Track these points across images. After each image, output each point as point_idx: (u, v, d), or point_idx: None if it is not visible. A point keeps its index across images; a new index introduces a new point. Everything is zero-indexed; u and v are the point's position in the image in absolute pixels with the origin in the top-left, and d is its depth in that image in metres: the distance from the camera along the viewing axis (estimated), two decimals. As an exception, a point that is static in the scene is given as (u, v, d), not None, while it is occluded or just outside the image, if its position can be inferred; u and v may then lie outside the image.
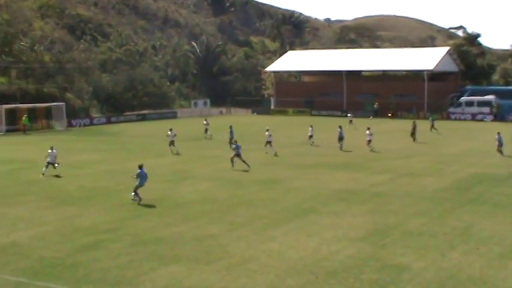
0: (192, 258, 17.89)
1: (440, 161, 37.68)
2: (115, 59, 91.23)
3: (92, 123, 70.52)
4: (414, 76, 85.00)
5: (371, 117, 74.62)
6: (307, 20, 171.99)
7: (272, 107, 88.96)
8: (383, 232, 20.69)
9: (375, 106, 77.24)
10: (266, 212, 23.71)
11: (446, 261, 17.51)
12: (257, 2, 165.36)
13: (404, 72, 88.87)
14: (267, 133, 41.88)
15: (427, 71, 78.14)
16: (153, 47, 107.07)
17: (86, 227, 21.62)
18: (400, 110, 75.71)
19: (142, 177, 25.31)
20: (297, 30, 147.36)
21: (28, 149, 46.57)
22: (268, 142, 41.41)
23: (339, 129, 43.28)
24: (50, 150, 32.95)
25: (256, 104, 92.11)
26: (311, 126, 47.46)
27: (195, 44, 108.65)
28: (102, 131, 62.90)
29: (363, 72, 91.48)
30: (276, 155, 40.51)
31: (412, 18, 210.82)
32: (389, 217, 22.79)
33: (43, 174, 32.25)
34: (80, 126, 68.37)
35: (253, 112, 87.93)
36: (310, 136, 46.46)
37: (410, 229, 21.07)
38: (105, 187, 29.60)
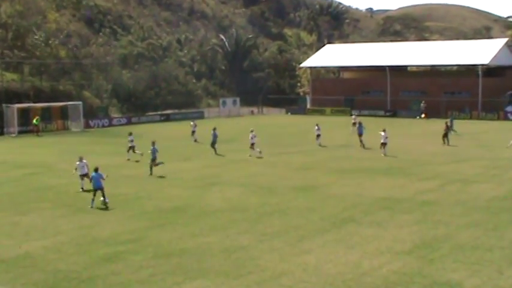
0: (220, 272, 17.93)
1: (496, 166, 37.18)
2: (136, 54, 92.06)
3: (111, 124, 71.23)
4: (467, 71, 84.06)
5: (418, 117, 74.01)
6: (347, 10, 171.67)
7: (308, 106, 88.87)
8: (431, 245, 20.47)
9: (422, 105, 76.54)
10: (301, 222, 23.66)
11: (503, 280, 17.23)
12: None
13: (455, 67, 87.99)
14: (251, 134, 42.40)
15: (482, 65, 77.17)
16: (178, 41, 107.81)
17: (105, 237, 21.83)
18: (450, 109, 74.85)
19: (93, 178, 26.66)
20: (336, 22, 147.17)
21: (42, 152, 47.25)
22: (252, 144, 42.15)
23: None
24: (78, 162, 30.63)
25: (291, 102, 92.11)
26: (317, 125, 48.77)
27: (223, 38, 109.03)
28: (122, 133, 63.25)
29: (408, 68, 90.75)
30: (259, 156, 41.45)
31: (465, 7, 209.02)
32: (438, 228, 22.54)
33: (82, 189, 30.35)
34: (98, 127, 69.11)
35: (287, 112, 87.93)
36: (318, 136, 47.93)
37: (462, 242, 20.82)
38: (125, 194, 29.84)
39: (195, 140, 51.81)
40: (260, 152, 41.83)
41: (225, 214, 25.14)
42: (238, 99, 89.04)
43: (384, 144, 42.03)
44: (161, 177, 34.27)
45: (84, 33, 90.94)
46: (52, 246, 20.68)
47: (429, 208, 25.93)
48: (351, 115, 63.33)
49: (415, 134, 53.73)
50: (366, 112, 79.69)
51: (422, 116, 74.19)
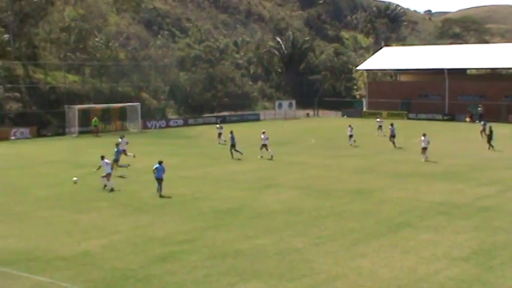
0: (275, 274, 17.92)
1: (559, 172, 36.14)
2: (194, 56, 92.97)
3: (168, 125, 72.08)
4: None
5: (476, 122, 72.61)
6: (405, 12, 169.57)
7: (364, 109, 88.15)
8: (490, 252, 20.03)
9: (479, 109, 74.97)
10: (356, 226, 23.47)
11: None
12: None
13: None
14: (262, 136, 42.33)
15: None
16: (235, 43, 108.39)
17: (160, 237, 22.09)
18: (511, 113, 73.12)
19: None
20: (393, 24, 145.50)
21: (101, 152, 47.99)
22: (264, 145, 42.15)
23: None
24: (102, 161, 31.62)
25: (347, 105, 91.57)
26: (350, 125, 50.68)
27: (280, 40, 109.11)
28: (178, 134, 64.17)
29: (468, 71, 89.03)
30: (272, 158, 41.53)
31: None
32: (498, 235, 22.04)
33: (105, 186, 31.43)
34: (155, 128, 70.03)
35: (343, 115, 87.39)
36: (350, 136, 49.79)
37: (522, 249, 20.32)
38: (181, 194, 30.13)
39: (224, 141, 51.40)
40: (272, 156, 42.14)
41: (280, 216, 25.13)
42: (294, 102, 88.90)
43: (424, 149, 41.28)
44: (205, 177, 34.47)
45: (143, 36, 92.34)
46: (110, 245, 21.03)
47: (488, 214, 25.38)
48: (376, 119, 63.08)
49: (473, 139, 52.69)
50: (423, 116, 78.65)
51: (467, 119, 72.73)
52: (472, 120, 72.27)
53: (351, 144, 49.35)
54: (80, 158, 44.94)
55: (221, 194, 30.07)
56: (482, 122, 54.77)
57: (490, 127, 48.26)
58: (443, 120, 76.03)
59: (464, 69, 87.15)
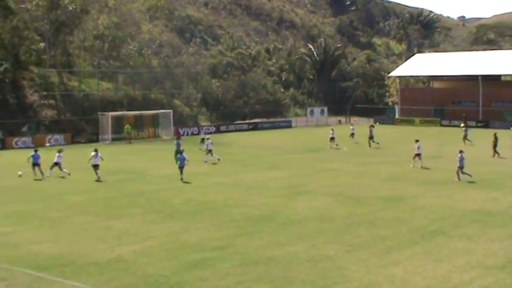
0: (307, 281, 17.86)
1: None
2: (226, 63, 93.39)
3: (200, 132, 72.34)
4: None
5: (511, 128, 71.63)
6: (438, 18, 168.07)
7: (396, 116, 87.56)
8: (526, 261, 19.73)
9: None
10: (389, 233, 23.29)
11: None
12: (381, 0, 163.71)
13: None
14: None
15: None
16: (267, 50, 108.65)
17: (193, 243, 22.16)
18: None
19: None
20: (426, 31, 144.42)
21: (133, 159, 48.55)
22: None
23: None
24: (93, 153, 37.49)
25: (379, 112, 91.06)
26: (332, 129, 55.66)
27: (312, 47, 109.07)
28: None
29: (502, 77, 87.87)
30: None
31: None
32: (534, 244, 21.70)
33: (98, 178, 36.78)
34: (187, 135, 70.37)
35: (375, 121, 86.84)
36: (332, 138, 53.67)
37: (559, 258, 19.97)
38: (213, 201, 30.23)
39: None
40: (218, 160, 44.19)
41: (312, 223, 25.05)
42: (326, 109, 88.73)
43: (418, 155, 40.78)
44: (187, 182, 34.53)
45: (176, 43, 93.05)
46: (142, 251, 21.16)
47: (523, 222, 25.00)
48: (351, 125, 64.10)
49: (508, 146, 51.99)
50: (456, 122, 77.73)
51: (461, 125, 71.55)
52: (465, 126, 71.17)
53: (330, 147, 52.83)
54: (112, 164, 45.30)
55: (253, 200, 30.10)
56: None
57: (495, 134, 47.49)
58: (477, 126, 75.16)
59: (499, 76, 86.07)
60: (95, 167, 37.11)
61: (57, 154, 38.80)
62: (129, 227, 24.78)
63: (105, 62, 77.49)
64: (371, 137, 53.74)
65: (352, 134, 59.27)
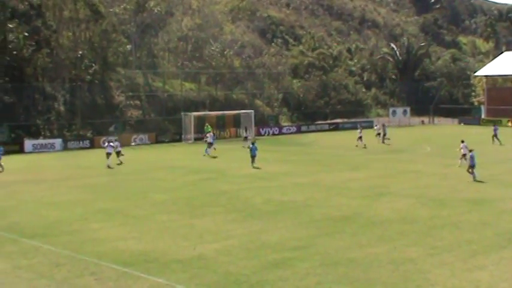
0: (388, 283, 17.62)
1: None
2: (307, 64, 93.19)
3: (280, 132, 72.61)
4: None
5: None
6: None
7: (483, 117, 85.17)
8: None
9: None
10: (474, 237, 22.69)
11: None
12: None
13: None
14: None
15: None
16: (348, 50, 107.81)
17: (273, 243, 22.24)
18: None
19: None
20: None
21: (215, 158, 49.12)
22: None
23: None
24: (106, 143, 45.65)
25: (464, 112, 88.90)
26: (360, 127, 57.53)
27: (394, 46, 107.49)
28: (291, 141, 64.48)
29: None
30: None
31: None
32: None
33: (108, 166, 43.78)
34: (268, 135, 70.72)
35: (460, 122, 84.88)
36: (360, 138, 54.73)
37: None
38: (293, 201, 30.25)
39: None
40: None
41: (394, 225, 24.70)
42: (408, 109, 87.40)
43: (464, 155, 39.52)
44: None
45: (257, 44, 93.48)
46: (223, 249, 21.40)
47: None
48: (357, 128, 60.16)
49: None
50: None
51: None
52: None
53: (357, 146, 54.34)
54: (195, 163, 46.07)
55: (333, 201, 29.94)
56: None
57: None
58: None
59: None
60: (112, 154, 44.40)
61: (112, 144, 45.51)
62: (210, 225, 25.10)
63: (188, 62, 78.79)
64: (383, 134, 58.59)
65: (379, 134, 59.59)
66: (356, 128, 60.49)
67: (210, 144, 49.85)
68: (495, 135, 55.44)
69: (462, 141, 40.85)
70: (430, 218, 25.98)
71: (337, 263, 19.64)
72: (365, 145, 54.47)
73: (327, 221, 25.54)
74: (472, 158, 35.34)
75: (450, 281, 17.73)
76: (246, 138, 58.58)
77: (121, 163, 45.46)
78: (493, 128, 57.06)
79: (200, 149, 53.54)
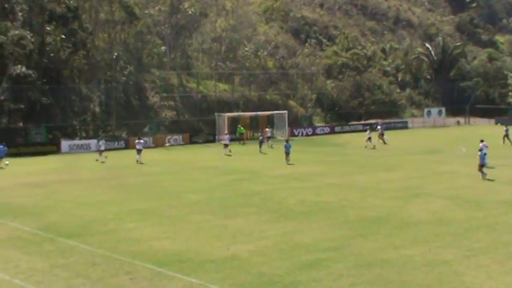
0: (423, 285, 17.44)
1: None
2: (341, 64, 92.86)
3: (314, 133, 72.45)
4: None
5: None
6: None
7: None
8: None
9: None
10: (511, 239, 22.35)
11: None
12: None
13: None
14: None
15: None
16: (383, 50, 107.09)
17: (307, 244, 22.17)
18: None
19: None
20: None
21: (248, 159, 49.23)
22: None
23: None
24: (137, 140, 48.14)
25: (501, 113, 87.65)
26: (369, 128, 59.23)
27: (429, 46, 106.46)
28: (325, 142, 64.27)
29: None
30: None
31: None
32: None
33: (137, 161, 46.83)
34: (301, 135, 70.60)
35: (496, 122, 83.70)
36: (369, 139, 55.59)
37: None
38: (327, 202, 30.13)
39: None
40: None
41: (428, 227, 24.44)
42: (443, 109, 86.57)
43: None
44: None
45: (291, 44, 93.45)
46: (257, 250, 21.40)
47: None
48: (365, 131, 61.70)
49: None
50: None
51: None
52: None
53: (366, 147, 54.77)
54: (228, 164, 46.20)
55: (367, 202, 29.75)
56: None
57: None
58: None
59: None
60: (142, 150, 47.31)
61: (141, 141, 48.65)
62: (244, 226, 25.13)
63: (222, 63, 79.09)
64: (380, 134, 59.26)
65: (382, 135, 59.63)
66: (374, 130, 60.72)
67: (225, 146, 51.93)
68: (506, 136, 54.93)
69: (482, 141, 40.63)
70: (466, 219, 25.65)
71: (371, 264, 19.51)
72: (374, 146, 54.82)
73: (361, 222, 25.38)
74: (482, 156, 35.66)
75: (486, 284, 17.49)
76: (268, 138, 58.88)
77: (103, 162, 47.87)
78: (504, 128, 57.07)
79: (234, 149, 53.75)
